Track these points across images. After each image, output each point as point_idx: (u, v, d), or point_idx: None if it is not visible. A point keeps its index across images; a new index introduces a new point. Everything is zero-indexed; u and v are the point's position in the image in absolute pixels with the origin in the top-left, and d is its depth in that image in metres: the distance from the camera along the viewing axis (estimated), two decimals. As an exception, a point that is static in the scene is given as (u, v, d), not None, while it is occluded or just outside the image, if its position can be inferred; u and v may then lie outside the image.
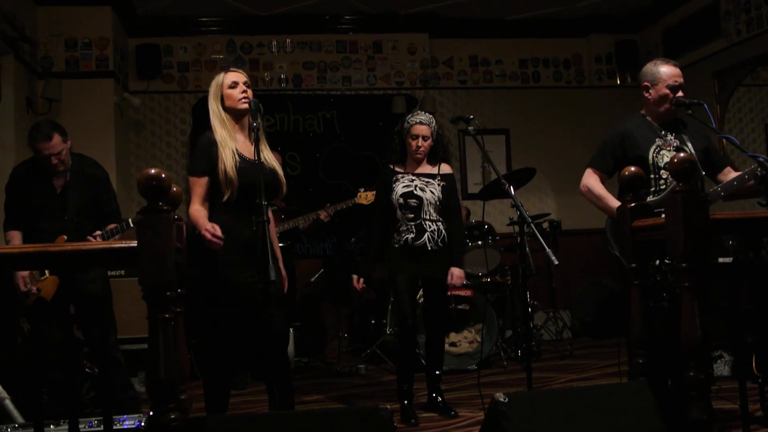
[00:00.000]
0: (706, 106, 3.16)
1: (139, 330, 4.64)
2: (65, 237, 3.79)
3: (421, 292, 4.44)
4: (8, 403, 3.31)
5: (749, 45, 5.77)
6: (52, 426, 2.70)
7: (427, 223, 3.91)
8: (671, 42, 6.78)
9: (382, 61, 7.00)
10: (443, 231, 3.96)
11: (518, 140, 7.17)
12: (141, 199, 1.94)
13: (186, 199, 5.52)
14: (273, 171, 3.10)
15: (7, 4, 5.02)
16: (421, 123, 3.93)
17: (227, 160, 2.95)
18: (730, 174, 3.24)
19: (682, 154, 2.16)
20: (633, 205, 2.41)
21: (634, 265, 2.39)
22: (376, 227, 4.11)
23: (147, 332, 1.91)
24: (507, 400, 2.10)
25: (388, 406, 2.07)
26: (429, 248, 3.90)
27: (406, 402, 3.91)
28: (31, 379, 3.78)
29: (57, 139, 3.76)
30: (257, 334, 3.05)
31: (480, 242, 5.45)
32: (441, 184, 3.97)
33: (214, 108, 3.09)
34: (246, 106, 3.05)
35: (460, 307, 5.18)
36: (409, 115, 4.02)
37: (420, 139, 3.92)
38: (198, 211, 2.97)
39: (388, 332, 5.49)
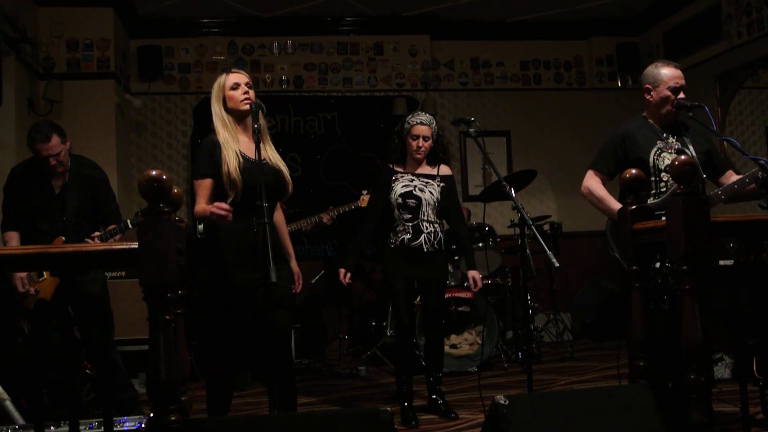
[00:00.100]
0: (707, 108, 3.15)
1: (139, 331, 4.65)
2: (63, 238, 3.79)
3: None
4: (8, 404, 3.30)
5: (750, 47, 5.77)
6: (52, 427, 2.70)
7: (424, 224, 3.91)
8: (672, 44, 6.78)
9: (383, 62, 7.01)
10: (440, 233, 3.96)
11: (519, 142, 7.17)
12: (142, 201, 1.94)
13: (187, 201, 5.53)
14: (278, 171, 3.09)
15: (8, 5, 5.03)
16: (421, 123, 3.93)
17: (230, 162, 2.96)
18: (731, 177, 3.23)
19: (683, 157, 2.16)
20: (634, 207, 2.41)
21: (634, 267, 2.39)
22: (364, 231, 4.07)
23: (147, 333, 1.91)
24: (507, 402, 2.10)
25: (389, 408, 2.07)
26: (425, 250, 3.90)
27: (406, 404, 3.91)
28: (31, 380, 3.78)
29: (56, 140, 3.76)
30: (260, 335, 3.05)
31: (481, 244, 5.45)
32: (440, 185, 3.97)
33: (216, 110, 3.09)
34: (247, 107, 3.05)
35: (460, 309, 5.17)
36: (410, 116, 4.02)
37: (421, 139, 3.92)
38: (203, 206, 2.98)
39: (388, 334, 5.48)
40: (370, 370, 5.48)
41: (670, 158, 3.11)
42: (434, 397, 4.04)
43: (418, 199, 3.91)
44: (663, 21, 6.90)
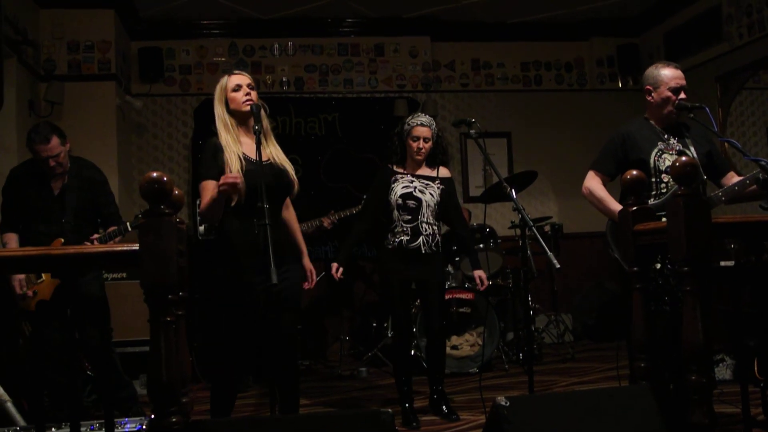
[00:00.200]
0: (707, 109, 3.15)
1: (140, 333, 4.64)
2: (62, 240, 3.79)
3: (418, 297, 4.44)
4: (10, 405, 3.31)
5: (751, 48, 5.77)
6: (53, 429, 2.70)
7: (423, 226, 3.91)
8: (673, 45, 6.78)
9: (384, 64, 7.01)
10: (438, 236, 3.96)
11: (520, 143, 7.17)
12: (143, 202, 1.94)
13: (188, 202, 5.52)
14: (281, 171, 3.09)
15: (9, 7, 5.03)
16: (422, 125, 3.93)
17: (232, 166, 2.96)
18: (733, 179, 3.23)
19: (684, 158, 2.16)
20: (635, 208, 2.41)
21: (635, 268, 2.39)
22: (358, 230, 4.07)
23: (148, 335, 1.91)
24: (508, 403, 2.10)
25: (390, 410, 2.07)
26: (423, 251, 3.90)
27: (407, 405, 3.91)
28: (32, 381, 3.78)
29: (55, 141, 3.77)
30: (264, 337, 3.05)
31: (482, 245, 5.45)
32: (440, 187, 3.97)
33: (219, 112, 3.10)
34: (249, 108, 3.05)
35: (461, 310, 5.17)
36: (410, 117, 4.02)
37: (421, 140, 3.92)
38: (207, 198, 2.97)
39: (389, 335, 5.48)
40: (371, 371, 5.48)
41: (671, 159, 3.10)
42: (435, 398, 4.04)
43: (419, 200, 3.91)
44: (664, 22, 6.89)
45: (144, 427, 2.67)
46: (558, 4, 6.65)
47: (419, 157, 3.96)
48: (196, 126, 6.61)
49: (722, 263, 4.25)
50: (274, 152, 3.12)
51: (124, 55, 6.35)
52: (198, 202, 5.67)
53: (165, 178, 1.92)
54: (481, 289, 4.10)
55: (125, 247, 1.95)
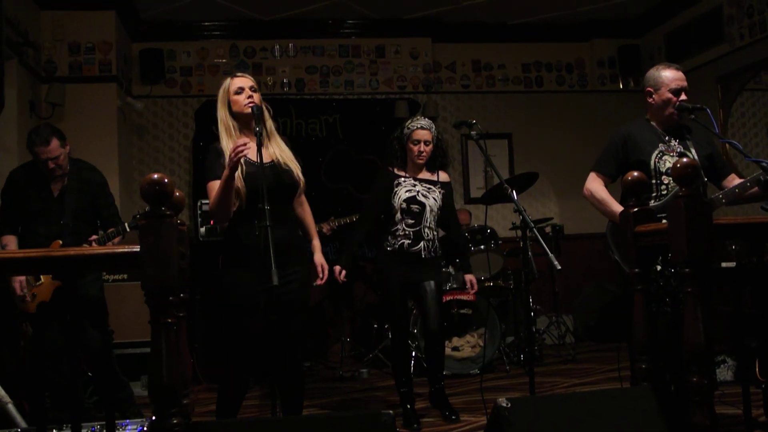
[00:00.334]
0: (709, 110, 3.15)
1: (141, 334, 4.65)
2: (60, 242, 3.79)
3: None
4: (11, 407, 3.30)
5: (752, 49, 5.77)
6: (54, 430, 2.69)
7: (426, 231, 3.90)
8: (674, 46, 6.79)
9: (385, 65, 7.01)
10: (437, 242, 3.97)
11: (521, 145, 7.17)
12: (143, 204, 1.94)
13: (189, 204, 5.52)
14: (286, 171, 3.08)
15: (10, 8, 5.04)
16: (422, 128, 3.92)
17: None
18: (734, 181, 3.22)
19: (684, 159, 2.16)
20: (636, 210, 2.41)
21: (636, 270, 2.39)
22: (360, 233, 4.06)
23: (149, 336, 1.91)
24: (509, 405, 2.09)
25: (391, 411, 2.06)
26: (423, 255, 3.90)
27: (408, 406, 3.91)
28: (33, 383, 3.78)
29: (55, 143, 3.77)
30: (268, 338, 3.04)
31: (482, 246, 5.45)
32: (442, 192, 3.98)
33: (221, 115, 3.08)
34: (250, 110, 3.04)
35: (462, 311, 5.17)
36: (409, 121, 4.01)
37: (422, 144, 3.91)
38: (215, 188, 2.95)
39: (390, 336, 5.48)
40: (372, 372, 5.48)
41: (672, 161, 3.10)
42: (435, 394, 4.03)
43: (422, 205, 3.91)
44: (665, 23, 6.90)
45: (145, 428, 2.66)
46: (559, 5, 6.66)
47: (420, 161, 3.95)
48: (197, 128, 6.61)
49: (723, 264, 4.24)
50: (278, 153, 3.11)
51: (125, 57, 6.36)
52: (199, 204, 5.72)
53: (166, 180, 1.92)
54: (471, 292, 4.13)
55: (126, 249, 1.94)
